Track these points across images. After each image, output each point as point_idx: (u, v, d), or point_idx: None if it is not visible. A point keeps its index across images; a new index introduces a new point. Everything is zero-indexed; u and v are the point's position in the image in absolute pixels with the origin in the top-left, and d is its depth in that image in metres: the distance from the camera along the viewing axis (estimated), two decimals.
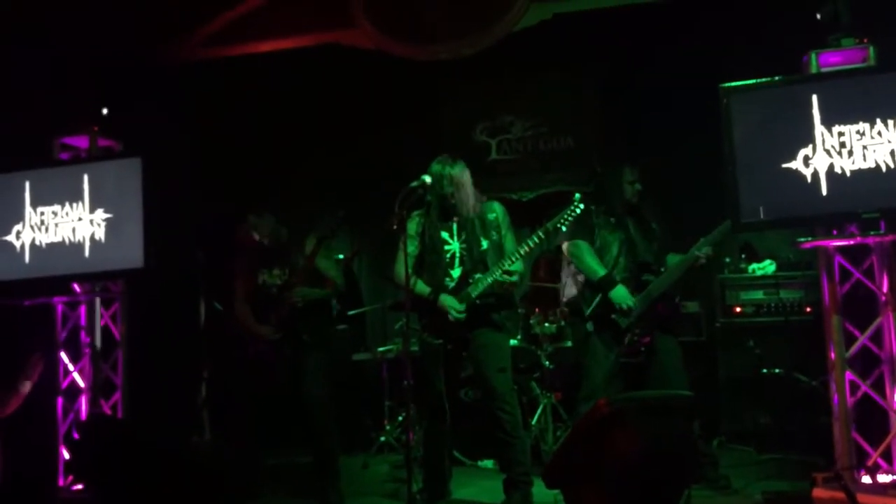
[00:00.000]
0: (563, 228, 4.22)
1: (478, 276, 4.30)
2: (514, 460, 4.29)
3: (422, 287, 4.39)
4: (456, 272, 4.38)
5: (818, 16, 4.32)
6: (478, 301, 4.30)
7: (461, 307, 4.28)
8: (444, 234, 4.41)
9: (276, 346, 4.75)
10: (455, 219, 4.40)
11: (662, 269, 4.61)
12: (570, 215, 4.18)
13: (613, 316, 4.51)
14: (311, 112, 7.09)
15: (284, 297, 4.71)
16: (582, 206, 4.19)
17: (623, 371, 4.59)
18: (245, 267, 4.90)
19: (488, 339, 4.35)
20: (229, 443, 5.14)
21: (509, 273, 4.21)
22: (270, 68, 6.66)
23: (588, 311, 4.57)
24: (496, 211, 4.46)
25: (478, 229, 4.38)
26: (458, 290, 4.33)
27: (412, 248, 4.43)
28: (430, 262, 4.39)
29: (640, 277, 4.58)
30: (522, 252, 4.22)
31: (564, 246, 4.64)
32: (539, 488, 4.14)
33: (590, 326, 4.58)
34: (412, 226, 4.45)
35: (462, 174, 4.38)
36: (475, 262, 4.34)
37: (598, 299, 4.55)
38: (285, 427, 5.55)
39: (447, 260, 4.38)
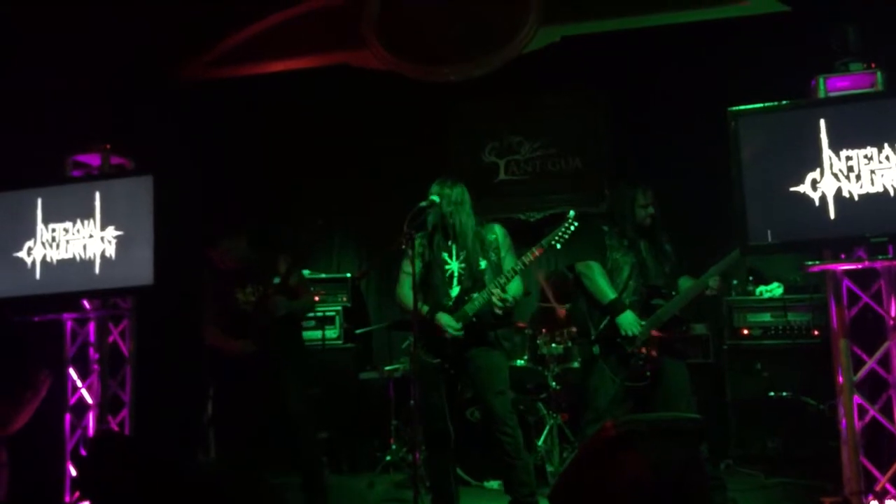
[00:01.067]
0: (558, 246, 4.24)
1: (475, 294, 4.31)
2: (518, 481, 4.28)
3: (420, 306, 4.41)
4: (454, 291, 4.40)
5: (830, 42, 4.35)
6: (475, 319, 4.31)
7: (458, 325, 4.30)
8: (444, 255, 4.43)
9: (254, 363, 4.75)
10: (454, 239, 4.42)
11: (674, 293, 4.60)
12: (565, 232, 4.21)
13: (619, 340, 4.51)
14: (319, 132, 7.14)
15: (265, 305, 4.71)
16: (577, 223, 4.22)
17: (629, 395, 4.57)
18: (217, 290, 4.85)
19: (486, 362, 4.35)
20: (233, 462, 5.12)
21: (504, 300, 4.22)
22: (280, 89, 6.72)
23: (595, 334, 4.57)
24: (496, 232, 4.49)
25: (477, 250, 4.40)
26: (456, 309, 4.34)
27: (411, 267, 4.46)
28: (430, 281, 4.41)
29: (649, 301, 4.57)
30: (518, 269, 4.24)
31: (577, 266, 4.65)
32: None
33: (596, 350, 4.57)
34: (415, 246, 4.48)
35: (462, 195, 4.42)
36: (473, 281, 4.36)
37: (605, 322, 4.55)
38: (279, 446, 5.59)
39: (446, 279, 4.41)
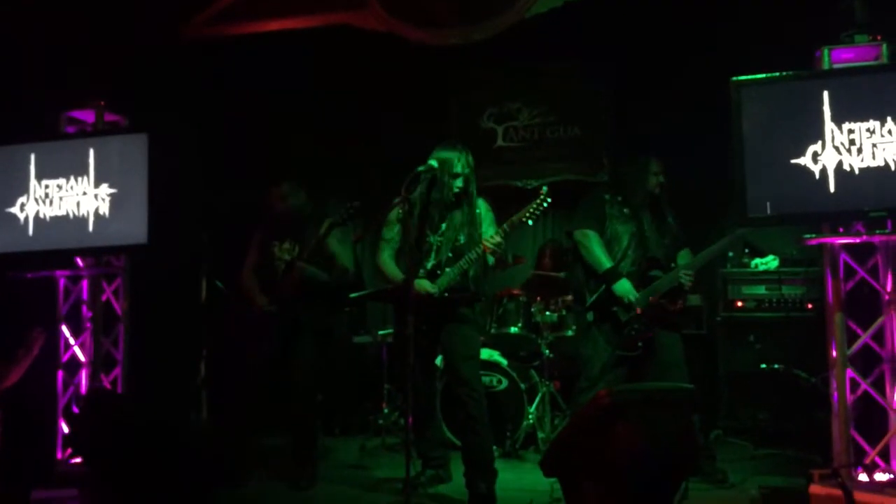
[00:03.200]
0: (530, 222, 4.21)
1: (447, 269, 4.29)
2: (478, 446, 4.26)
3: (396, 273, 4.40)
4: (430, 263, 4.37)
5: (839, 12, 4.30)
6: (446, 294, 4.29)
7: (434, 288, 4.27)
8: (427, 226, 4.37)
9: (273, 326, 4.74)
10: (438, 210, 4.36)
11: (673, 265, 4.60)
12: (537, 209, 4.17)
13: (615, 308, 4.51)
14: (317, 96, 7.07)
15: (292, 268, 4.72)
16: (549, 199, 4.17)
17: (622, 363, 4.59)
18: (263, 234, 4.94)
19: (457, 331, 4.34)
20: (225, 422, 5.14)
21: (496, 245, 4.15)
22: (278, 51, 6.63)
23: (590, 302, 4.57)
24: (480, 207, 4.44)
25: (459, 223, 4.36)
26: (431, 279, 4.32)
27: (392, 233, 4.47)
28: (408, 250, 4.31)
29: (647, 272, 4.58)
30: (493, 242, 4.17)
31: (575, 233, 4.64)
32: (536, 476, 4.15)
33: (590, 316, 4.59)
34: (393, 213, 4.46)
35: (459, 161, 4.35)
36: (451, 254, 4.33)
37: (601, 290, 4.55)
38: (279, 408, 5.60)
39: (425, 250, 4.38)
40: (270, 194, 4.93)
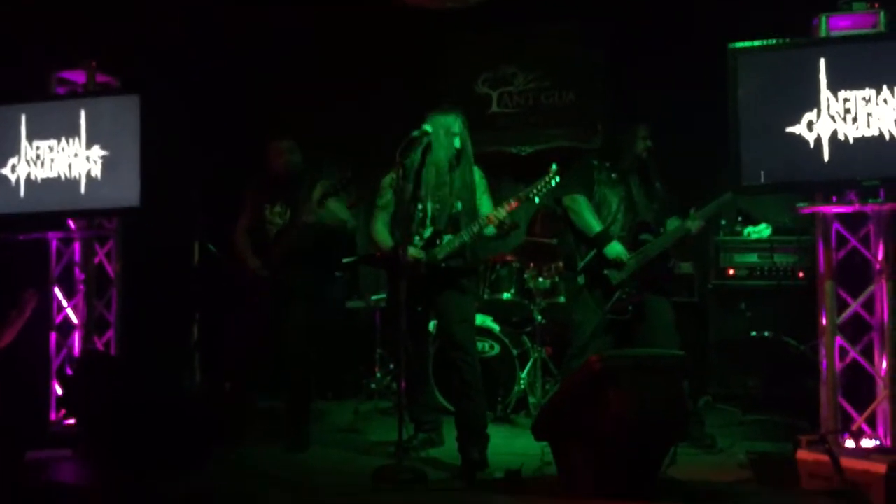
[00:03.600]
0: (536, 199, 4.19)
1: (447, 237, 4.27)
2: (471, 412, 4.26)
3: (388, 241, 4.39)
4: (427, 232, 4.34)
5: None
6: (443, 264, 4.28)
7: (422, 255, 4.24)
8: (421, 193, 4.31)
9: (265, 290, 4.75)
10: (434, 176, 4.30)
11: (662, 230, 4.62)
12: (545, 185, 4.15)
13: (606, 271, 4.53)
14: (311, 60, 7.01)
15: (284, 233, 4.71)
16: (558, 178, 4.15)
17: (612, 328, 4.61)
18: (256, 193, 4.88)
19: (453, 298, 4.33)
20: (219, 384, 5.16)
21: (500, 222, 4.13)
22: (271, 14, 6.56)
23: (581, 265, 4.60)
24: (475, 173, 4.41)
25: (459, 187, 4.32)
26: (428, 247, 4.30)
27: (384, 200, 4.45)
28: (401, 217, 4.25)
29: (638, 236, 4.60)
30: (499, 216, 4.14)
31: (564, 199, 4.64)
32: (528, 440, 4.19)
33: (581, 280, 4.61)
34: (386, 179, 4.44)
35: (453, 125, 4.31)
36: (447, 222, 4.31)
37: (592, 254, 4.57)
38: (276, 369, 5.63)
39: (419, 218, 4.33)
40: (270, 149, 4.85)
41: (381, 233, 4.46)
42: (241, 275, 4.82)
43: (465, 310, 4.38)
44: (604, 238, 4.52)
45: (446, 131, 4.28)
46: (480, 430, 4.28)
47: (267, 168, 4.86)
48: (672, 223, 4.67)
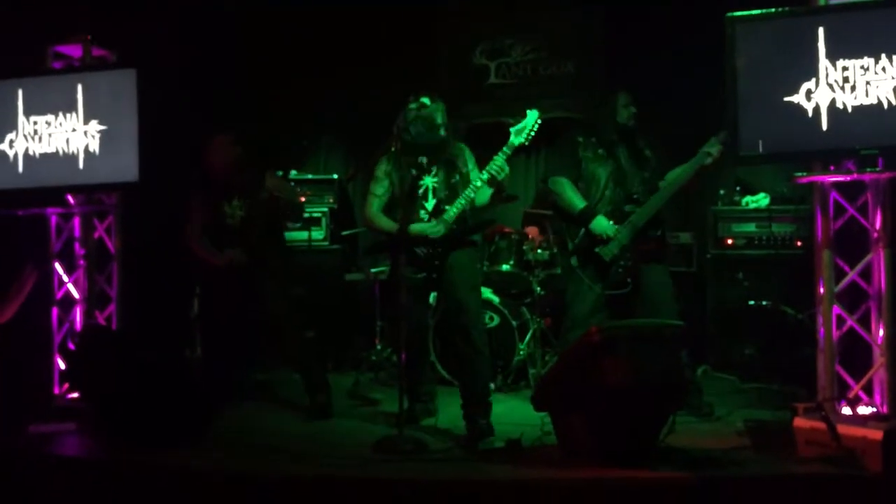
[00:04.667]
0: (526, 143, 4.24)
1: (449, 206, 4.33)
2: (479, 375, 4.33)
3: (389, 223, 4.44)
4: (430, 204, 4.42)
5: None
6: (454, 226, 4.34)
7: (439, 226, 4.31)
8: (413, 171, 4.37)
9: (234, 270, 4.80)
10: (423, 157, 4.37)
11: (662, 184, 4.60)
12: (532, 129, 4.20)
13: (597, 249, 4.55)
14: (307, 30, 6.96)
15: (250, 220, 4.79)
16: (540, 121, 4.22)
17: (609, 304, 4.63)
18: (205, 194, 4.90)
19: (461, 260, 4.40)
20: (217, 357, 5.19)
21: (500, 170, 4.19)
22: None
23: (572, 246, 4.61)
24: (462, 149, 4.50)
25: (447, 165, 4.42)
26: (434, 217, 4.37)
27: (381, 189, 4.51)
28: (402, 199, 4.40)
29: (622, 208, 4.59)
30: (486, 177, 4.22)
31: (548, 183, 4.66)
32: (527, 410, 4.23)
33: (574, 261, 4.63)
34: (380, 168, 4.50)
35: (443, 111, 4.42)
36: (448, 192, 4.38)
37: (581, 233, 4.58)
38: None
39: (420, 194, 4.41)
40: (214, 144, 4.85)
41: (380, 217, 4.52)
42: (212, 272, 4.85)
43: (474, 277, 4.48)
44: (588, 214, 4.53)
45: (431, 116, 4.35)
46: (486, 397, 4.33)
47: (210, 164, 4.87)
48: (673, 174, 4.63)
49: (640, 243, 4.57)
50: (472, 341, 4.31)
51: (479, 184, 4.25)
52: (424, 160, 4.35)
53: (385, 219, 4.50)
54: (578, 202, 4.56)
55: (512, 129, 4.24)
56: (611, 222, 4.53)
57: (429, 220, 4.38)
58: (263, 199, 4.82)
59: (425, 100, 4.30)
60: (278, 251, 5.02)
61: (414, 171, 4.33)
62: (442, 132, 4.40)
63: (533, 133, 4.23)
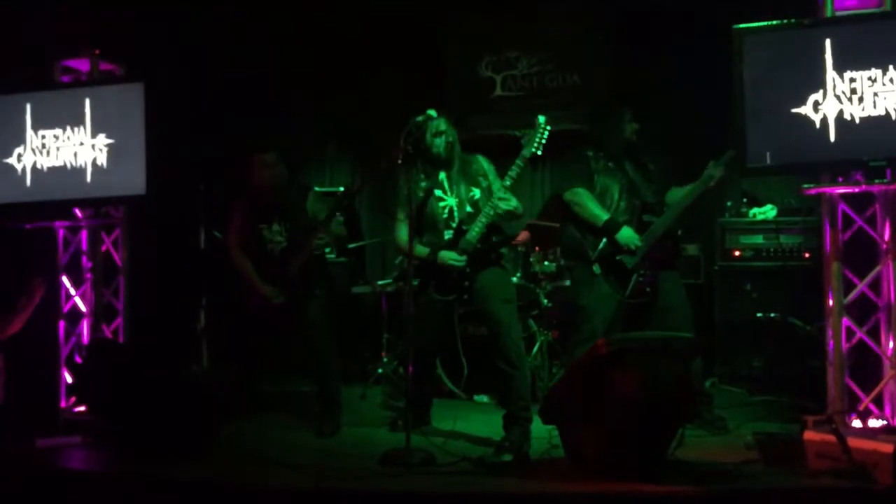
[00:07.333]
0: (539, 152, 4.24)
1: (472, 225, 4.32)
2: (515, 393, 4.28)
3: (421, 249, 4.44)
4: (454, 223, 4.41)
5: None
6: (479, 245, 4.32)
7: (461, 257, 4.31)
8: (438, 192, 4.41)
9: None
10: (442, 174, 4.40)
11: (666, 207, 4.65)
12: (542, 138, 4.22)
13: (619, 257, 4.56)
14: (313, 43, 6.99)
15: (292, 252, 4.73)
16: (549, 127, 4.24)
17: (626, 313, 4.64)
18: (246, 212, 4.86)
19: (491, 277, 4.39)
20: (226, 371, 5.19)
21: (507, 202, 4.24)
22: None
23: (594, 255, 4.61)
24: (479, 161, 4.50)
25: (466, 180, 4.42)
26: (457, 241, 4.35)
27: (403, 214, 4.46)
28: (425, 220, 4.41)
29: (640, 218, 4.62)
30: (508, 184, 4.24)
31: (565, 195, 4.66)
32: (535, 423, 4.21)
33: (597, 269, 4.62)
34: (400, 192, 4.46)
35: (453, 128, 4.42)
36: (471, 210, 4.37)
37: (603, 242, 4.58)
38: (286, 357, 5.66)
39: (445, 215, 4.41)
40: (254, 163, 4.78)
41: (413, 244, 4.40)
42: (249, 294, 4.82)
43: (506, 288, 4.45)
44: (613, 225, 4.54)
45: (437, 130, 4.35)
46: (523, 412, 4.25)
47: (251, 182, 4.82)
48: (674, 193, 4.68)
49: (653, 251, 4.59)
50: (507, 357, 4.26)
51: (502, 194, 4.25)
52: (444, 176, 4.38)
53: (418, 246, 4.45)
54: (602, 213, 4.56)
55: (523, 142, 4.24)
56: (633, 232, 4.55)
57: (454, 239, 4.36)
58: (305, 226, 4.70)
59: (431, 112, 4.30)
60: (321, 282, 4.88)
61: (424, 185, 4.33)
62: (448, 142, 4.38)
63: (544, 141, 4.23)
